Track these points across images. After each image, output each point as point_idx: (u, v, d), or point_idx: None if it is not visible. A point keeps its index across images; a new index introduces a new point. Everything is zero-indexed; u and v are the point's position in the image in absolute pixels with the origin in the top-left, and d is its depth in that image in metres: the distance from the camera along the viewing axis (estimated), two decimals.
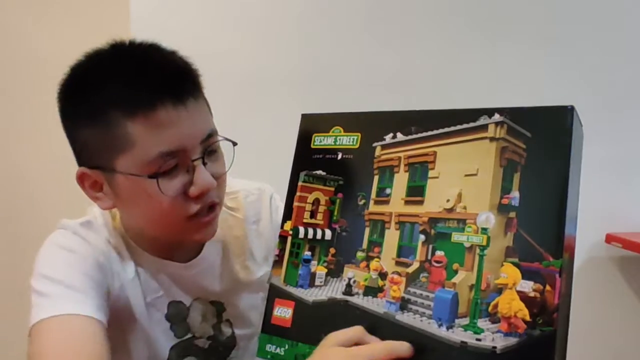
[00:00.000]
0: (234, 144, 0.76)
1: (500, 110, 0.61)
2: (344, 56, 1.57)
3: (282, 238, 0.72)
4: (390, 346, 0.58)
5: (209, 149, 0.74)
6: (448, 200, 0.62)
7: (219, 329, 0.89)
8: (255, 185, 0.93)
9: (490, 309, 0.57)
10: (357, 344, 0.59)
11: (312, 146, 0.73)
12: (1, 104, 1.65)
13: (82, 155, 0.75)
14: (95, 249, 0.78)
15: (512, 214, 0.58)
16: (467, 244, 0.60)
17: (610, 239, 1.56)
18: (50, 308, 0.70)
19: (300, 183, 0.72)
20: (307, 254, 0.70)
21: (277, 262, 0.72)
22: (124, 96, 0.69)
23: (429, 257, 0.62)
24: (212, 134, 0.74)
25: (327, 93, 1.52)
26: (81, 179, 0.76)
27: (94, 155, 0.73)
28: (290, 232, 0.72)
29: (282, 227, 0.73)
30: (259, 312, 0.92)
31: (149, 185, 0.71)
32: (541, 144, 0.59)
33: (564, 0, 1.57)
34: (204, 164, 0.73)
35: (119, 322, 0.80)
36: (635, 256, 1.53)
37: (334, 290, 0.67)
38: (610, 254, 1.61)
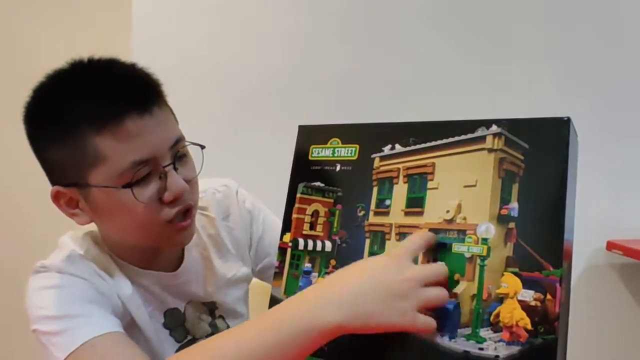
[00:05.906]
0: (202, 147, 0.79)
1: (498, 122, 0.62)
2: (344, 66, 1.57)
3: (282, 250, 0.72)
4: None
5: (179, 154, 0.76)
6: (448, 211, 0.63)
7: (215, 326, 0.91)
8: (220, 182, 0.97)
9: (492, 318, 0.58)
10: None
11: (310, 158, 0.73)
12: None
13: (55, 174, 0.76)
14: (88, 279, 0.78)
15: (512, 225, 0.59)
16: (467, 255, 0.61)
17: (611, 246, 1.56)
18: (73, 340, 0.70)
19: (298, 195, 0.72)
20: (307, 265, 0.70)
21: (278, 274, 0.72)
22: (89, 112, 0.71)
23: None
24: (179, 140, 0.76)
25: (326, 103, 1.52)
26: (56, 197, 0.77)
27: (67, 173, 0.74)
28: (290, 244, 0.72)
29: (281, 239, 0.73)
30: (244, 303, 0.97)
31: (123, 195, 0.72)
32: (539, 155, 0.59)
33: (563, 6, 1.57)
34: (175, 169, 0.75)
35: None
36: (636, 263, 1.53)
37: None
38: (611, 261, 1.62)
